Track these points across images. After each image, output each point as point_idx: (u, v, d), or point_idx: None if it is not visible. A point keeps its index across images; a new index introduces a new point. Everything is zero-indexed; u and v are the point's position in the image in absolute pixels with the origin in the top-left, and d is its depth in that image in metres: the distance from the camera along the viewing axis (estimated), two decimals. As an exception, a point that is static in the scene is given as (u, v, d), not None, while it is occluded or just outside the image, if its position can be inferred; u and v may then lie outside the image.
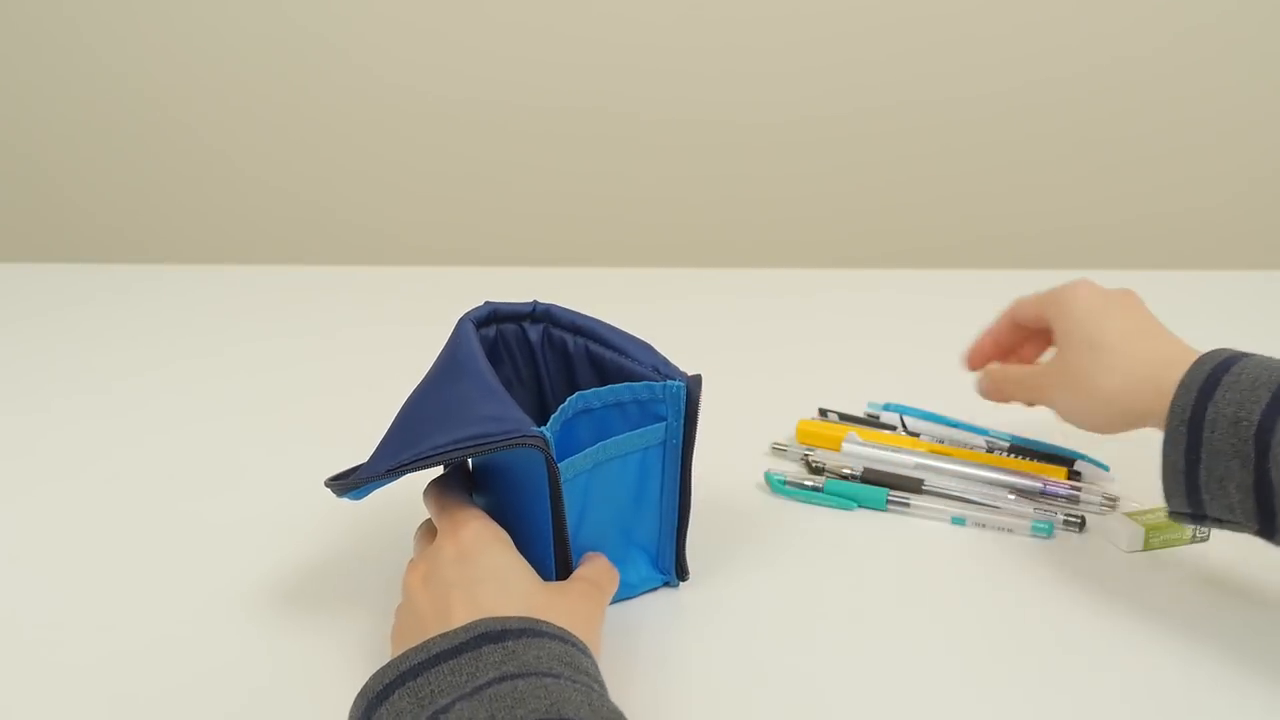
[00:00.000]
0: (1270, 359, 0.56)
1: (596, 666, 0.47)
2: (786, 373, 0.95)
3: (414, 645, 0.45)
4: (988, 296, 0.77)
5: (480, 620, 0.45)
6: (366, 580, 0.62)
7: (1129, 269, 1.26)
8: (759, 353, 1.00)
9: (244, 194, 1.86)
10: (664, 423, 0.58)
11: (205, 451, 0.81)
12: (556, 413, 0.56)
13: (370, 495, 0.57)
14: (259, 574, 0.64)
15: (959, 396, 0.77)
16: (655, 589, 0.62)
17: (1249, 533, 0.55)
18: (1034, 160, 1.80)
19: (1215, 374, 0.55)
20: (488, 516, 0.54)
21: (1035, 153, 1.79)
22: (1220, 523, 0.55)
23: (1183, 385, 0.55)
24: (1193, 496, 0.55)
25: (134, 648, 0.57)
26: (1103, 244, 1.81)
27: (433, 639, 0.45)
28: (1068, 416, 0.65)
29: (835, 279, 1.24)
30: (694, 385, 0.58)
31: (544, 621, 0.46)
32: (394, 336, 1.03)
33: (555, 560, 0.55)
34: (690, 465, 0.60)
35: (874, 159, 1.80)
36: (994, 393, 0.71)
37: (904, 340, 1.03)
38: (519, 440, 0.51)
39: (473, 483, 0.60)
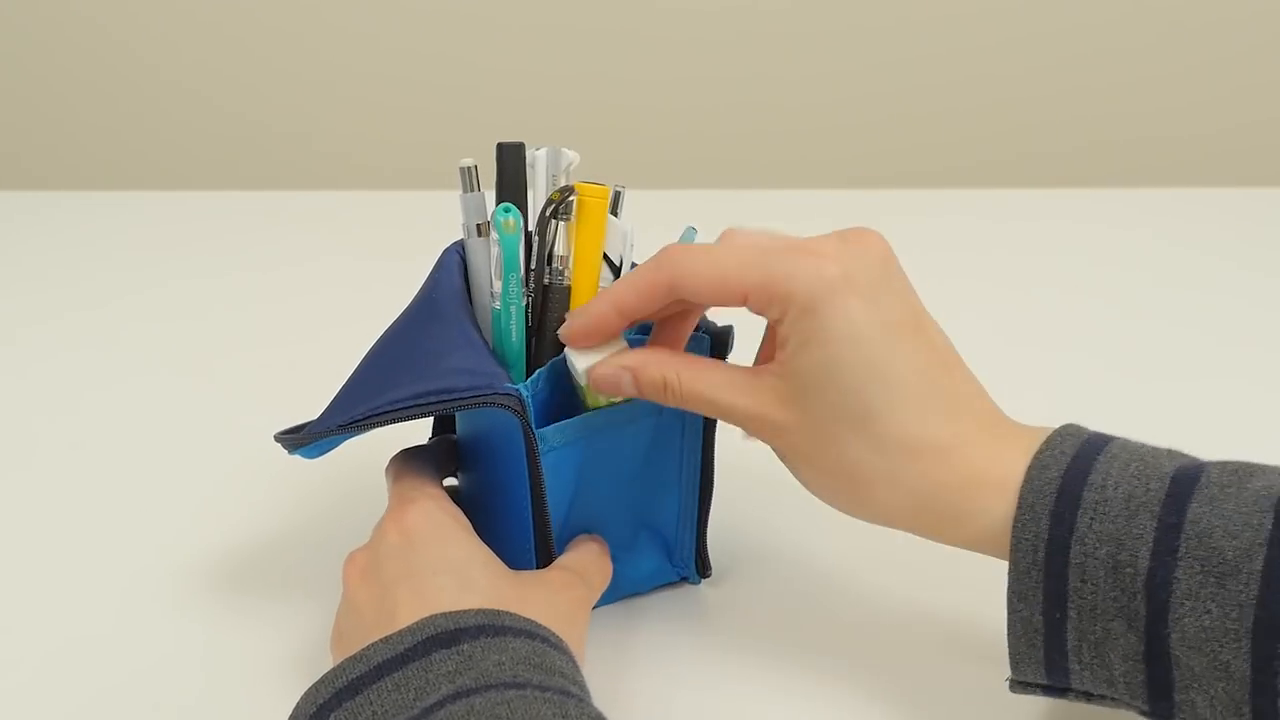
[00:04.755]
0: (1133, 448, 0.39)
1: (575, 665, 0.40)
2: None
3: (353, 653, 0.38)
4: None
5: (429, 619, 0.38)
6: (320, 563, 0.53)
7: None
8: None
9: (194, 110, 1.74)
10: None
11: (129, 410, 0.71)
12: (545, 366, 0.47)
13: (329, 457, 0.51)
14: (191, 556, 0.55)
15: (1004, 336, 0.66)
16: (670, 585, 0.53)
17: (1133, 711, 0.39)
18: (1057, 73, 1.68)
19: (1070, 485, 0.38)
20: (443, 496, 0.47)
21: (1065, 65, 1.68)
22: (1090, 698, 0.40)
23: (1026, 507, 0.39)
24: (1055, 666, 0.39)
25: (45, 651, 0.49)
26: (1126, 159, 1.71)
27: (374, 645, 0.38)
28: (809, 485, 0.44)
29: (874, 200, 1.13)
30: (721, 338, 0.49)
31: (505, 613, 0.39)
32: (368, 270, 0.92)
33: (535, 546, 0.47)
34: (714, 438, 0.50)
35: (883, 71, 1.68)
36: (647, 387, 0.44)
37: (953, 273, 0.92)
38: (487, 398, 0.43)
39: (457, 456, 0.51)
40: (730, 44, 1.69)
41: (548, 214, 0.47)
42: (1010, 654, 0.40)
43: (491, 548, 0.45)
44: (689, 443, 0.50)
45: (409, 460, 0.49)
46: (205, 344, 0.80)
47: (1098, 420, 0.68)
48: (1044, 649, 0.39)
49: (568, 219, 0.47)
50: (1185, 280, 0.91)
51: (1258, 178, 1.63)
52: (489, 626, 0.38)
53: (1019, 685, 0.41)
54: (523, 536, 0.47)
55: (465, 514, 0.47)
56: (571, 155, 0.48)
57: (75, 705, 0.46)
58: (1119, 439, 0.40)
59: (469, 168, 0.48)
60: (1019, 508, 0.39)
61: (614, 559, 0.50)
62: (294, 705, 0.38)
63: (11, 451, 0.66)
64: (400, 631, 0.38)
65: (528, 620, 0.40)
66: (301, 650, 0.49)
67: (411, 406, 0.44)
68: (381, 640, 0.38)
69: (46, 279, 0.93)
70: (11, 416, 0.70)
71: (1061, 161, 1.71)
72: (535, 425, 0.45)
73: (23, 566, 0.55)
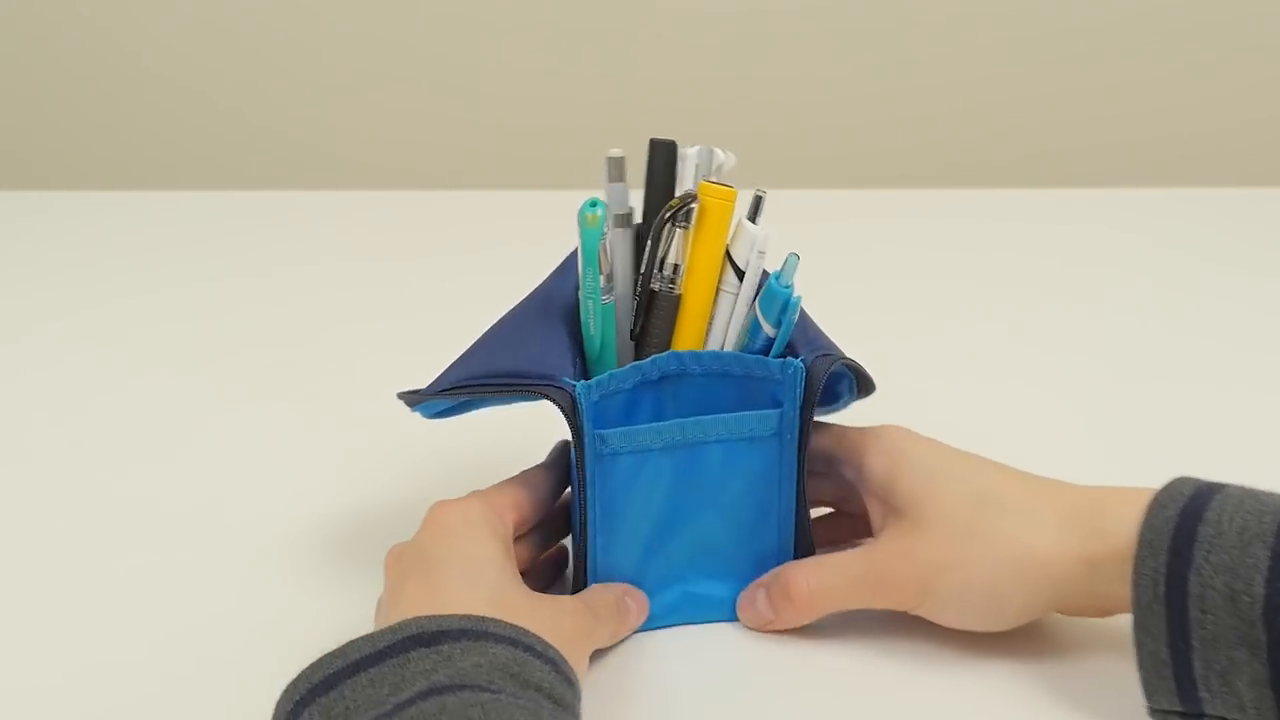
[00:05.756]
0: (1247, 490, 0.41)
1: (560, 678, 0.38)
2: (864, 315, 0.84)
3: (333, 649, 0.38)
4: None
5: (411, 619, 0.38)
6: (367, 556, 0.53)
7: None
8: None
9: (194, 110, 1.73)
10: (779, 410, 0.47)
11: (129, 409, 0.71)
12: (627, 368, 0.46)
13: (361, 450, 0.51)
14: (317, 520, 0.56)
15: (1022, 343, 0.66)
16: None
17: None
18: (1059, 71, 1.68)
19: (1186, 523, 0.40)
20: (498, 499, 0.46)
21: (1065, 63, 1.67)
22: None
23: (1145, 544, 0.41)
24: (1186, 694, 0.40)
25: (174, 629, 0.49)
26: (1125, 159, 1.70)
27: (354, 641, 0.38)
28: (959, 617, 0.46)
29: (874, 200, 1.13)
30: (817, 370, 0.46)
31: (492, 619, 0.39)
32: (368, 270, 0.93)
33: (577, 565, 0.47)
34: (804, 472, 0.48)
35: (886, 67, 1.68)
36: (805, 608, 0.48)
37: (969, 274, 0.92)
38: (541, 388, 0.44)
39: None
40: (730, 45, 1.68)
41: (665, 218, 0.46)
42: (1143, 685, 0.41)
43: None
44: (786, 475, 0.48)
45: (540, 468, 0.50)
46: (205, 343, 0.80)
47: (1096, 419, 0.68)
48: (1174, 679, 0.40)
49: (685, 226, 0.46)
50: (1184, 280, 0.91)
51: (1258, 178, 1.62)
52: (471, 630, 0.38)
53: (1157, 713, 0.42)
54: (577, 537, 0.47)
55: None
56: (724, 156, 0.47)
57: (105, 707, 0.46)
58: (1234, 485, 0.42)
59: (617, 158, 0.47)
60: (1139, 544, 0.41)
61: (710, 585, 0.49)
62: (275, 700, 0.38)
63: (9, 449, 0.66)
64: (381, 630, 0.38)
65: (513, 627, 0.39)
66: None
67: (482, 384, 0.46)
68: (363, 637, 0.38)
69: (47, 279, 0.93)
70: (10, 415, 0.70)
71: (1061, 161, 1.71)
72: (607, 427, 0.45)
73: (22, 564, 0.55)
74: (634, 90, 1.70)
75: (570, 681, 0.39)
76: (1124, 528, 0.42)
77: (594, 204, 0.44)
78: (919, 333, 0.80)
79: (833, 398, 0.53)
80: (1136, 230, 1.03)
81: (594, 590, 0.47)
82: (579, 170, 1.69)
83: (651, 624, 0.49)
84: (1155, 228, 1.04)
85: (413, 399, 0.49)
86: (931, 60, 1.68)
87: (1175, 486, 0.42)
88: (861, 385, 0.51)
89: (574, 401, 0.44)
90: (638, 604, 0.48)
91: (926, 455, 0.47)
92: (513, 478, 0.48)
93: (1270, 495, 0.41)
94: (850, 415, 0.53)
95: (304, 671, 0.37)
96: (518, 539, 0.47)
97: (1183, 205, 1.12)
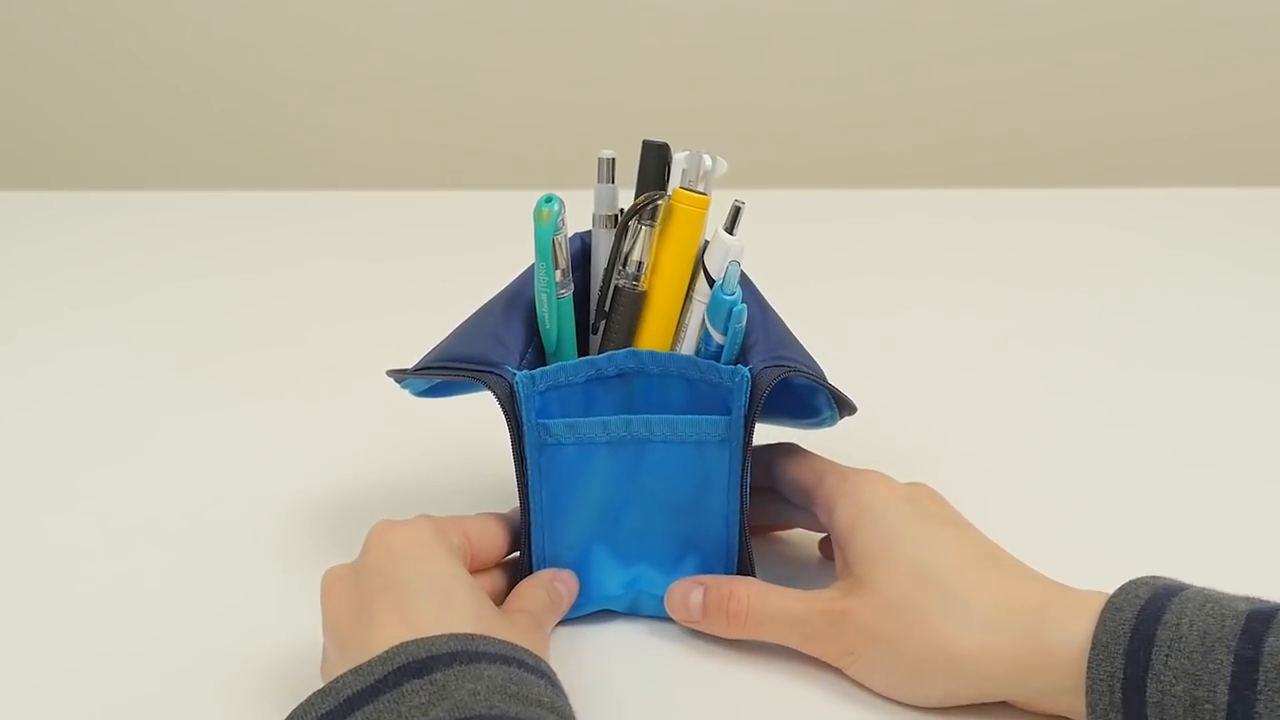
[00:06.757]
0: (1208, 592, 0.39)
1: (556, 689, 0.38)
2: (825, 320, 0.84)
3: (323, 686, 0.36)
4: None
5: (400, 646, 0.37)
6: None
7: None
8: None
9: (194, 110, 1.73)
10: (728, 417, 0.46)
11: (127, 408, 0.71)
12: (579, 361, 0.46)
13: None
14: (201, 547, 0.55)
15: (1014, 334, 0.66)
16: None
17: None
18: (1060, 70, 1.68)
19: (1143, 627, 0.38)
20: (446, 522, 0.46)
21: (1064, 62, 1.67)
22: None
23: (1100, 647, 0.38)
24: None
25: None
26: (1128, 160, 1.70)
27: (343, 677, 0.36)
28: (884, 687, 0.44)
29: (875, 200, 1.13)
30: (762, 379, 0.45)
31: (480, 636, 0.38)
32: (367, 270, 0.93)
33: (524, 550, 0.47)
34: (747, 479, 0.47)
35: (886, 65, 1.68)
36: (736, 626, 0.47)
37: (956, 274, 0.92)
38: (482, 374, 0.45)
39: None
40: (730, 46, 1.68)
41: (628, 216, 0.46)
42: None
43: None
44: (733, 482, 0.47)
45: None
46: (204, 343, 0.80)
47: (1096, 419, 0.68)
48: None
49: (650, 225, 0.46)
50: (1185, 280, 0.91)
51: (1258, 178, 1.62)
52: (463, 653, 0.37)
53: None
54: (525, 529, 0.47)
55: None
56: (711, 162, 0.47)
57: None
58: (1194, 586, 0.40)
59: (608, 159, 0.47)
60: (1093, 648, 0.39)
61: (653, 581, 0.49)
62: None
63: (8, 448, 0.66)
64: (370, 661, 0.36)
65: (503, 643, 0.38)
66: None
67: (439, 367, 0.47)
68: (351, 671, 0.36)
69: (46, 279, 0.93)
70: (9, 414, 0.70)
71: (1061, 161, 1.71)
72: (558, 418, 0.46)
73: (20, 563, 0.55)
74: (634, 91, 1.70)
75: (563, 692, 0.39)
76: (1068, 634, 0.40)
77: (549, 200, 0.45)
78: (919, 332, 0.81)
79: (811, 412, 0.52)
80: (1136, 230, 1.04)
81: (524, 594, 0.47)
82: (578, 170, 1.69)
83: (596, 607, 0.49)
84: (1155, 228, 1.04)
85: (398, 377, 0.51)
86: (931, 61, 1.68)
87: (1131, 589, 0.40)
88: (841, 403, 0.50)
89: (511, 390, 0.44)
90: (566, 585, 0.48)
91: (888, 514, 0.45)
92: (464, 516, 0.48)
93: (1231, 598, 0.39)
94: (856, 419, 0.53)
95: (293, 713, 0.36)
96: (479, 573, 0.47)
97: (1183, 205, 1.12)
